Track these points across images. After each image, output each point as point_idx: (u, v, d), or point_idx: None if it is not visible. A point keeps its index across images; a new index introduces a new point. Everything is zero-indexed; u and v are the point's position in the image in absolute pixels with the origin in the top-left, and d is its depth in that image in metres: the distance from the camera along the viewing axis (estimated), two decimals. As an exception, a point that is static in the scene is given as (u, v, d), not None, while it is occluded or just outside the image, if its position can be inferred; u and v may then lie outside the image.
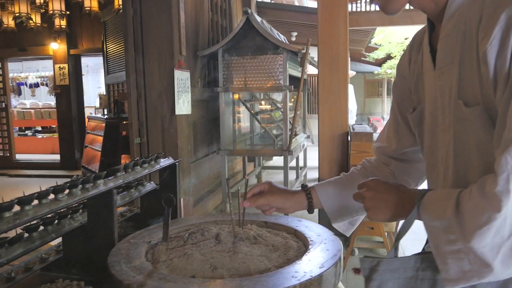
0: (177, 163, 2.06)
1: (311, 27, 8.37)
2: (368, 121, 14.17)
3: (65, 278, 1.22)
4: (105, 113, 7.75)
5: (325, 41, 3.86)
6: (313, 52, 4.95)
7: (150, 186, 2.01)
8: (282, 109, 7.21)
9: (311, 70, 10.45)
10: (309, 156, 7.56)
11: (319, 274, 1.08)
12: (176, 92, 4.02)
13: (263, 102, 6.06)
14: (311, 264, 1.15)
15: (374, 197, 1.03)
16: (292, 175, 6.19)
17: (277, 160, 9.03)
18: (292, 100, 6.62)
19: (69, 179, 1.30)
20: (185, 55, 4.28)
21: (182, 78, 4.16)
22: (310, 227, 1.47)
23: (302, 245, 1.35)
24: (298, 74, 5.67)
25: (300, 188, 1.44)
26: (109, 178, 1.49)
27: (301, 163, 7.10)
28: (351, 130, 3.93)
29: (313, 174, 7.36)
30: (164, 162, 1.96)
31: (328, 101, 3.95)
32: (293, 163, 6.65)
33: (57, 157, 10.19)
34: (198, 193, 5.12)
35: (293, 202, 1.39)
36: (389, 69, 13.44)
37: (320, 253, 1.22)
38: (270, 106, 6.51)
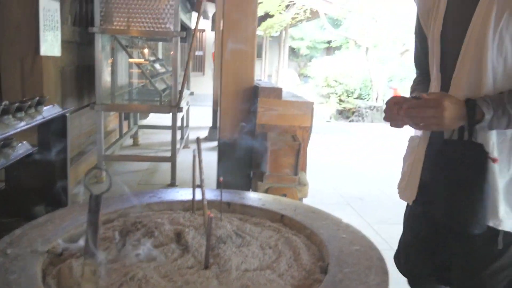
0: (67, 114, 1.38)
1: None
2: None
3: None
4: None
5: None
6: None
7: (23, 148, 1.31)
8: (163, 61, 6.47)
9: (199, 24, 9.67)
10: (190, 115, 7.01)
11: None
12: (41, 26, 3.09)
13: (145, 51, 5.27)
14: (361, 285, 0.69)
15: None
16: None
17: (152, 119, 8.26)
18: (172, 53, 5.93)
19: None
20: (52, -20, 3.33)
21: (49, 9, 3.22)
22: (300, 208, 0.99)
23: (306, 239, 0.87)
24: (188, 23, 5.02)
25: None
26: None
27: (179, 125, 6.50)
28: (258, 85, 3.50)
29: (196, 135, 6.85)
30: (50, 111, 1.28)
31: (233, 52, 3.44)
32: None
33: None
34: (66, 156, 4.24)
35: None
36: (269, 29, 13.24)
37: (355, 259, 0.76)
38: (153, 57, 5.71)
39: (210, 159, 5.17)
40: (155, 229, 0.78)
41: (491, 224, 1.04)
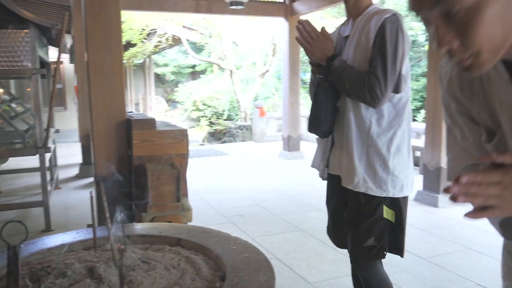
0: None
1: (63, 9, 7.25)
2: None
3: None
4: None
5: (95, 20, 3.32)
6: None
7: None
8: (20, 100, 6.03)
9: (54, 56, 9.10)
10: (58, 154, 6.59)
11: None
12: None
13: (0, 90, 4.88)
14: (253, 283, 0.84)
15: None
16: (38, 177, 5.14)
17: (12, 162, 7.56)
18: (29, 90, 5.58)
19: None
20: None
21: None
22: (193, 230, 1.13)
23: (203, 256, 1.01)
24: (46, 58, 4.81)
25: None
26: None
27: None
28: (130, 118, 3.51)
29: (65, 174, 6.48)
30: None
31: (101, 86, 3.42)
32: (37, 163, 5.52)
33: None
34: None
35: None
36: (132, 58, 13.06)
37: (246, 264, 0.92)
38: (8, 96, 5.30)
39: (86, 196, 4.96)
40: (66, 269, 0.85)
41: (349, 187, 1.61)
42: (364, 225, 1.61)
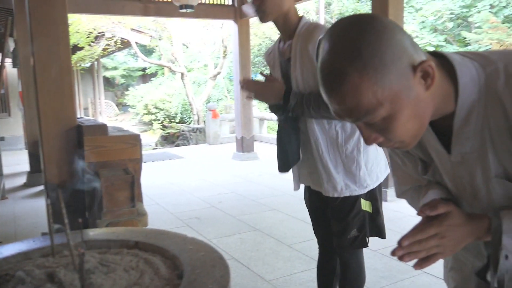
0: None
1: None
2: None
3: None
4: None
5: (41, 24, 3.25)
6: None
7: None
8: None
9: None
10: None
11: None
12: None
13: None
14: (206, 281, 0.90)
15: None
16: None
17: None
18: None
19: None
20: None
21: None
22: (150, 233, 1.16)
23: (161, 256, 1.05)
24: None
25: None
26: None
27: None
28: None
29: (12, 183, 6.22)
30: None
31: (50, 92, 3.34)
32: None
33: None
34: None
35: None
36: (80, 61, 12.67)
37: (202, 262, 0.97)
38: None
39: (36, 205, 4.80)
40: (26, 276, 0.87)
41: (335, 195, 1.69)
42: (346, 220, 1.73)
